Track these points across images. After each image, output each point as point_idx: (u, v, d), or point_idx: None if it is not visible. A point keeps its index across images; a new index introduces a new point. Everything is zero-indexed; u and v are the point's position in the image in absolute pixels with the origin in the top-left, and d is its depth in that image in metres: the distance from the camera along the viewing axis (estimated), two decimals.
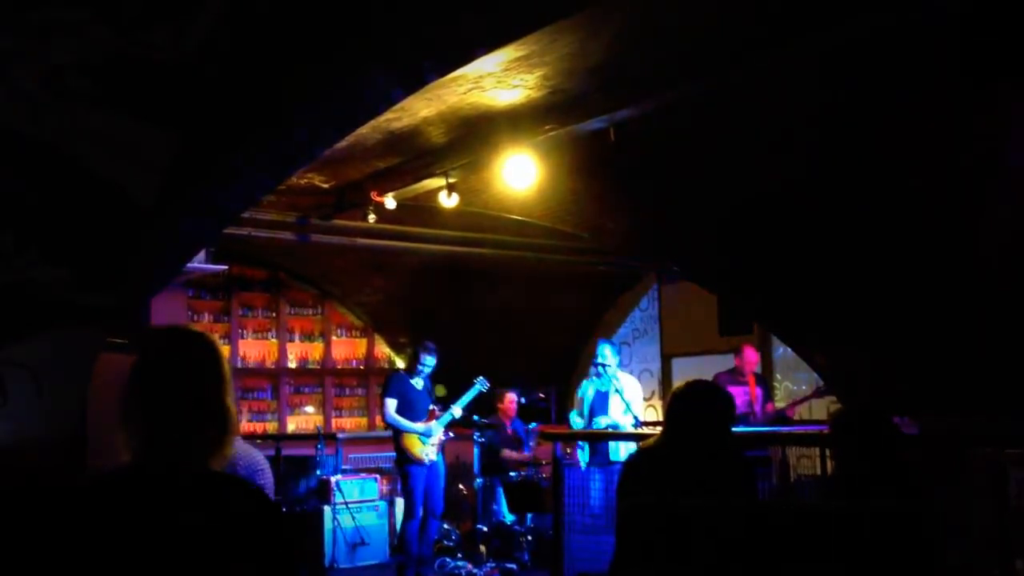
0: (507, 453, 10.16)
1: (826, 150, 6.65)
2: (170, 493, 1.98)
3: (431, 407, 8.75)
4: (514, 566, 8.93)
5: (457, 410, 8.89)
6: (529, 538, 9.28)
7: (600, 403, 8.87)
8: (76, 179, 4.09)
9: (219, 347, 2.17)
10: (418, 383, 8.76)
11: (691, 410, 3.88)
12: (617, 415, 8.69)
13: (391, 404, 8.61)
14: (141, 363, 2.11)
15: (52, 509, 1.99)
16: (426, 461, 8.55)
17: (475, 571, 8.69)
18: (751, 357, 9.46)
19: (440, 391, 9.12)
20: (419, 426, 8.57)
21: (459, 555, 9.20)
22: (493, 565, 8.83)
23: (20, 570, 1.96)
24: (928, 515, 3.52)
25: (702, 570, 3.32)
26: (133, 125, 3.98)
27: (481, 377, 9.22)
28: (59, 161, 4.00)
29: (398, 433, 8.61)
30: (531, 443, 10.42)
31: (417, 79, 4.61)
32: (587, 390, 9.04)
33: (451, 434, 9.09)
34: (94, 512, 1.97)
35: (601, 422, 8.75)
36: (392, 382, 8.86)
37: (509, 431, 10.41)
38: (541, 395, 10.73)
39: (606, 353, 8.84)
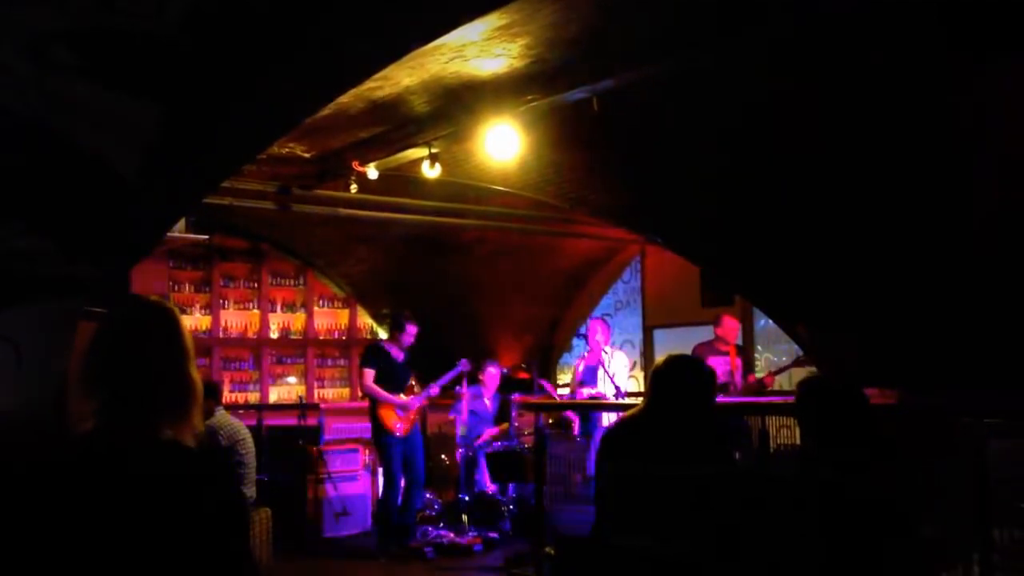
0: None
1: (810, 122, 6.64)
2: (122, 463, 1.98)
3: (411, 383, 8.76)
4: (496, 535, 8.98)
5: (435, 388, 8.92)
6: (511, 507, 9.34)
7: (589, 377, 9.01)
8: (59, 150, 4.05)
9: (179, 317, 2.15)
10: (398, 356, 8.76)
11: (671, 385, 3.90)
12: (603, 387, 8.83)
13: (369, 375, 8.62)
14: (99, 333, 2.09)
15: (7, 480, 1.99)
16: (400, 434, 8.56)
17: (457, 540, 8.73)
18: (731, 325, 9.50)
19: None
20: (397, 399, 8.59)
21: (441, 524, 9.24)
22: (475, 534, 8.88)
23: None
24: (897, 483, 3.55)
25: (680, 536, 3.35)
26: (115, 96, 3.95)
27: (464, 360, 9.24)
28: (42, 132, 3.96)
29: (374, 405, 8.62)
30: (513, 413, 10.45)
31: (400, 47, 4.58)
32: (579, 365, 9.19)
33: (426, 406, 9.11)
34: (49, 482, 1.96)
35: (583, 392, 8.85)
36: (372, 352, 8.86)
37: (488, 402, 10.44)
38: (523, 365, 10.77)
39: (593, 328, 8.96)
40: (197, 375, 2.12)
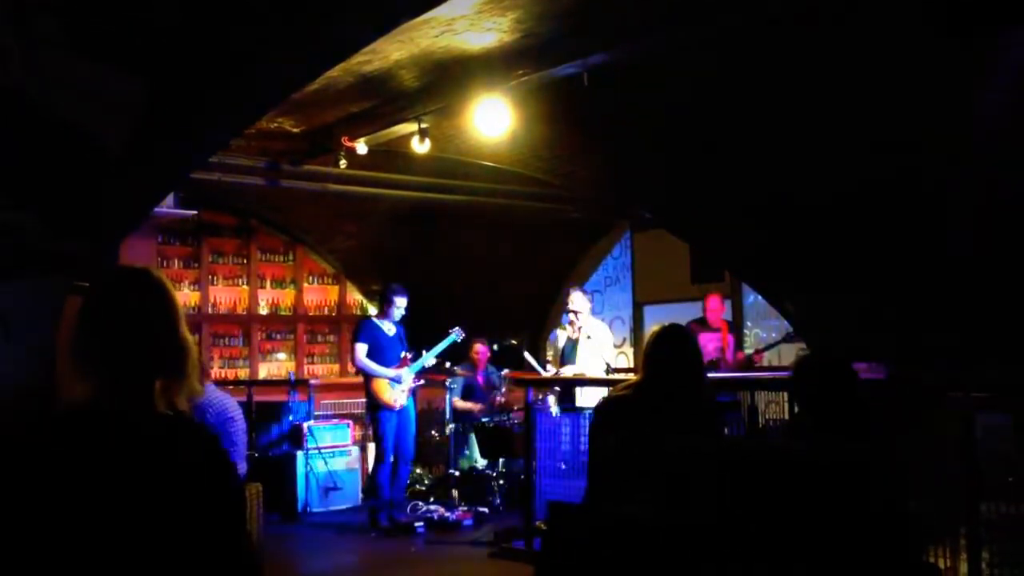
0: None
1: (799, 97, 6.64)
2: (117, 436, 1.95)
3: (403, 353, 8.75)
4: (485, 510, 9.02)
5: (430, 359, 8.91)
6: (501, 482, 9.37)
7: (570, 351, 8.90)
8: (44, 123, 4.02)
9: (166, 282, 2.12)
10: (390, 329, 8.75)
11: (671, 350, 3.92)
12: (585, 364, 8.72)
13: (361, 349, 8.61)
14: (88, 305, 2.06)
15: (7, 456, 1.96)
16: (396, 407, 8.57)
17: (447, 515, 8.77)
18: (714, 305, 9.51)
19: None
20: (389, 371, 8.59)
21: (431, 499, 9.28)
22: (465, 509, 8.91)
23: None
24: (885, 458, 3.57)
25: (673, 505, 3.36)
26: (101, 70, 3.91)
27: (457, 327, 9.21)
28: (27, 107, 3.93)
29: (368, 379, 8.62)
30: (503, 389, 10.47)
31: (389, 20, 4.55)
32: (559, 339, 9.08)
33: (422, 381, 9.11)
34: (43, 455, 1.92)
35: (566, 372, 8.77)
36: (363, 328, 8.85)
37: (480, 378, 10.46)
38: (513, 341, 10.75)
39: (576, 300, 8.85)
40: (190, 335, 2.10)
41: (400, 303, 8.68)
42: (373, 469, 8.81)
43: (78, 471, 1.90)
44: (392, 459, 8.62)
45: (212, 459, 2.02)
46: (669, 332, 4.02)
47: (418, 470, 9.45)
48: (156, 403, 2.01)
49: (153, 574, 1.90)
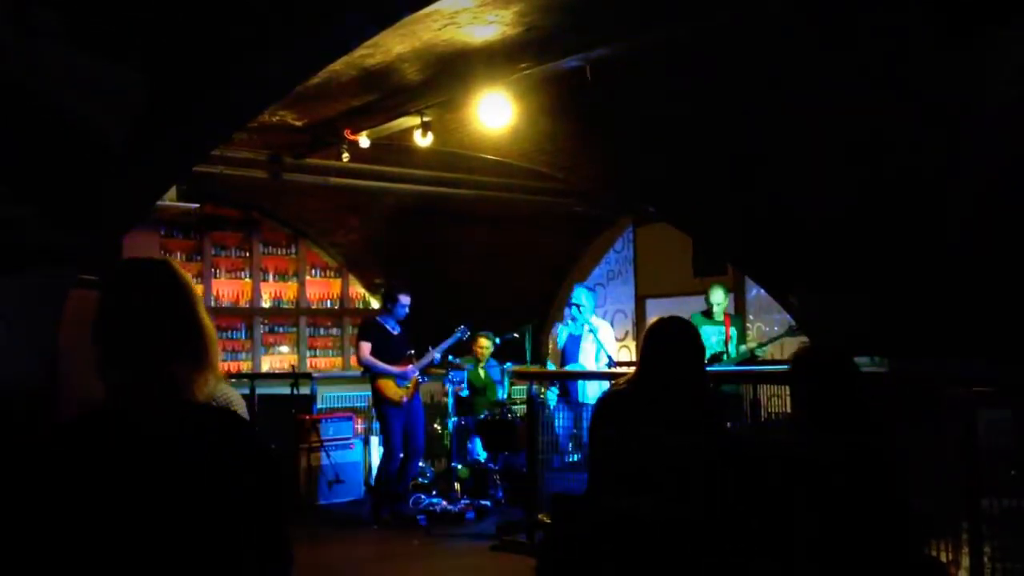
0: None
1: (803, 92, 6.62)
2: (158, 429, 1.94)
3: (409, 352, 8.78)
4: (488, 503, 9.04)
5: (436, 355, 8.93)
6: (502, 476, 9.39)
7: (572, 348, 8.91)
8: (44, 116, 4.02)
9: (180, 271, 2.10)
10: (394, 328, 8.78)
11: (670, 340, 3.91)
12: (587, 361, 8.73)
13: (365, 347, 8.64)
14: (108, 301, 2.05)
15: (34, 456, 1.94)
16: (402, 402, 8.59)
17: (450, 508, 8.79)
18: (716, 299, 9.51)
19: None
20: (395, 369, 8.61)
21: (434, 492, 9.30)
22: (467, 502, 8.93)
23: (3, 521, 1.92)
24: (886, 453, 3.57)
25: (674, 499, 3.37)
26: (101, 61, 3.91)
27: (462, 326, 9.25)
28: (26, 98, 3.92)
29: (374, 376, 8.65)
30: (505, 383, 10.48)
31: (391, 13, 4.54)
32: (561, 334, 9.09)
33: (427, 378, 9.12)
34: (84, 456, 1.90)
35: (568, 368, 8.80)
36: (367, 327, 8.89)
37: (481, 373, 10.47)
38: (515, 335, 10.77)
39: (581, 297, 8.86)
40: (209, 321, 2.08)
41: (405, 301, 8.71)
42: (381, 464, 8.84)
43: (104, 474, 1.88)
44: (401, 455, 8.66)
45: (253, 445, 2.02)
46: (667, 323, 4.00)
47: (420, 463, 9.47)
48: (183, 392, 2.00)
49: (201, 567, 1.90)
